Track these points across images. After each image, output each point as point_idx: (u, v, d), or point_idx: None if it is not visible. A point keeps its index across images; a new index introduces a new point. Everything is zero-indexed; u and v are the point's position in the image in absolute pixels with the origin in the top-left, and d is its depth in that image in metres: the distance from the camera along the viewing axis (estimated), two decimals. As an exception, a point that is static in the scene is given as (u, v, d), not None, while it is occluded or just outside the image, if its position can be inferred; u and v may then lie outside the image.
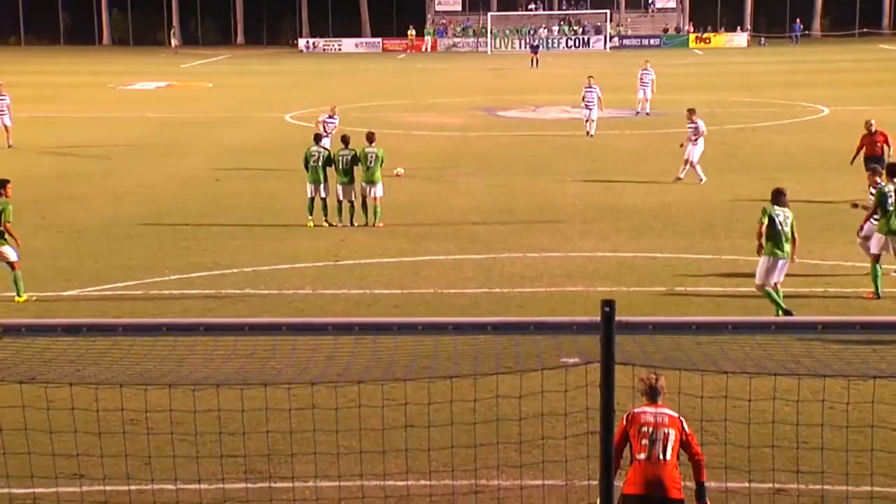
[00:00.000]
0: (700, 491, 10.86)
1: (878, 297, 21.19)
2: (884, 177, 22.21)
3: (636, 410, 11.00)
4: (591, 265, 24.56)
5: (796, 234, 20.09)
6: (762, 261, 19.90)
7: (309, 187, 29.18)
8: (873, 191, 22.50)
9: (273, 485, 13.38)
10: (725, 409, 11.75)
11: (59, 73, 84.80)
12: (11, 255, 21.43)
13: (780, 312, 19.51)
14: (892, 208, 21.33)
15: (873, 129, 31.08)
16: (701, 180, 33.89)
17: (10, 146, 43.20)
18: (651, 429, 10.70)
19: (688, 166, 34.33)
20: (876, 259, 21.50)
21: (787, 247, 19.85)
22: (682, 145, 35.00)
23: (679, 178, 34.41)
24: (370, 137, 29.47)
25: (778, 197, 20.20)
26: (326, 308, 21.41)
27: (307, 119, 51.40)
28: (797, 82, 68.81)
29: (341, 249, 26.41)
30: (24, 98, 56.91)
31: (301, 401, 12.33)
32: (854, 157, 31.20)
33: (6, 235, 21.45)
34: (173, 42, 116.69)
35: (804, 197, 31.33)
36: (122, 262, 25.21)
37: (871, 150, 30.70)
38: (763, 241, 19.82)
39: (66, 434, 11.48)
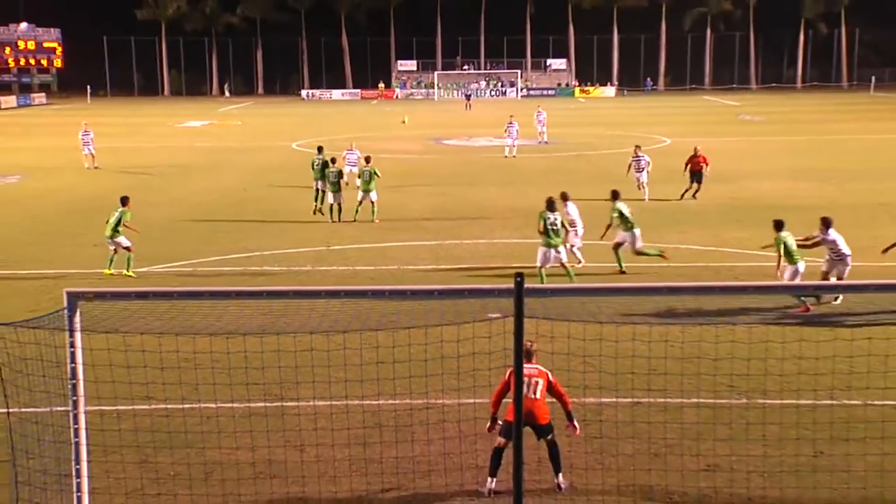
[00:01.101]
0: (568, 415, 11.04)
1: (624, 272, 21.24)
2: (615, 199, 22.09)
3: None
4: (508, 249, 24.60)
5: (567, 227, 20.83)
6: (540, 250, 19.97)
7: (315, 183, 29.69)
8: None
9: (284, 404, 13.33)
10: (600, 348, 11.80)
11: (133, 115, 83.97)
12: (124, 241, 21.99)
13: (570, 278, 19.80)
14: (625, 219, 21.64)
15: (697, 153, 32.34)
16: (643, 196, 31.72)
17: (96, 167, 43.03)
18: (526, 378, 10.77)
19: (643, 186, 32.00)
20: (615, 247, 21.54)
21: (558, 239, 19.95)
22: (628, 172, 32.90)
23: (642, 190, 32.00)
24: (367, 160, 29.67)
25: (550, 205, 20.10)
26: (321, 280, 21.32)
27: (308, 146, 51.08)
28: (649, 121, 69.20)
29: (332, 238, 26.33)
30: (108, 133, 56.34)
31: (303, 345, 12.25)
32: (685, 170, 32.43)
33: (121, 229, 22.10)
34: (226, 92, 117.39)
35: (657, 201, 31.54)
36: (178, 247, 25.05)
37: (695, 166, 32.17)
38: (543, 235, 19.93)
39: (138, 368, 11.37)
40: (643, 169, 32.16)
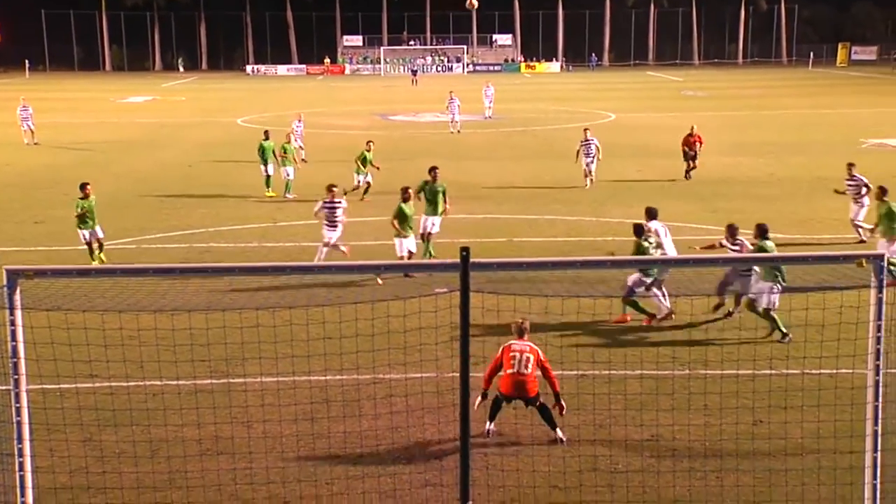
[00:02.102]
0: (556, 396, 11.36)
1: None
2: None
3: (508, 343, 11.56)
4: (454, 224, 24.56)
5: (447, 203, 20.67)
6: (422, 218, 20.23)
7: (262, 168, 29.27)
8: (849, 182, 22.51)
9: (231, 380, 13.25)
10: (546, 321, 11.90)
11: (73, 90, 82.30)
12: (82, 236, 20.60)
13: (428, 256, 19.99)
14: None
15: (693, 132, 31.83)
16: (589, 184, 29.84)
17: (35, 143, 42.29)
18: (518, 353, 11.33)
19: (590, 173, 29.70)
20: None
21: (439, 209, 20.38)
22: (577, 159, 30.16)
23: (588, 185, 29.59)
24: (369, 144, 28.83)
25: (428, 179, 20.51)
26: (268, 256, 21.19)
27: (253, 122, 50.60)
28: (594, 97, 69.56)
29: (278, 214, 26.13)
30: (48, 109, 55.20)
31: (249, 321, 12.17)
32: (683, 150, 31.91)
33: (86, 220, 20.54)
34: (180, 67, 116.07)
35: (602, 177, 31.79)
36: (121, 224, 24.64)
37: (689, 146, 31.75)
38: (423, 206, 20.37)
39: (81, 346, 11.21)
40: (593, 155, 29.72)
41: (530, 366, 11.26)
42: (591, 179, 29.75)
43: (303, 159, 33.14)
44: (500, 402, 11.44)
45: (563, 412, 11.37)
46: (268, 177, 29.00)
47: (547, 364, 11.45)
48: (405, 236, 18.86)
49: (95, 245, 20.73)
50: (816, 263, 10.17)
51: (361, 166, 28.27)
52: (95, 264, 19.61)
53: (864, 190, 22.17)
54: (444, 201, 20.69)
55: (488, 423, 11.48)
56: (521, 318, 11.83)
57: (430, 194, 20.52)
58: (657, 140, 42.38)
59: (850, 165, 23.02)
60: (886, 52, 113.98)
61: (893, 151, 38.16)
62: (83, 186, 20.76)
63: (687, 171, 31.67)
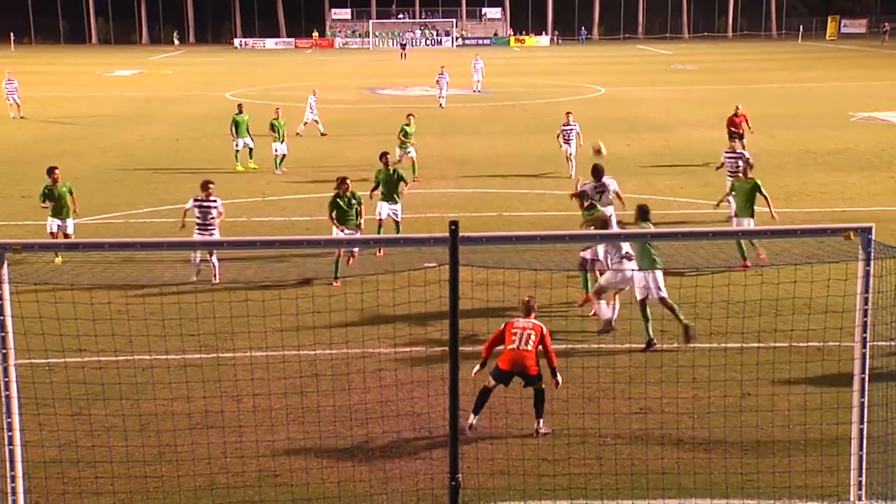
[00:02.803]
0: (553, 370, 11.09)
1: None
2: None
3: (512, 320, 11.33)
4: (444, 198, 24.60)
5: (403, 188, 19.43)
6: (379, 204, 19.16)
7: (236, 141, 29.05)
8: (728, 154, 21.19)
9: (220, 355, 13.24)
10: (535, 295, 11.91)
11: (59, 63, 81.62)
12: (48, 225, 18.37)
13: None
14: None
15: (738, 111, 29.08)
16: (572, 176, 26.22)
17: (22, 117, 42.02)
18: (519, 330, 11.12)
19: (571, 159, 26.67)
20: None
21: (396, 196, 19.11)
22: (560, 145, 27.03)
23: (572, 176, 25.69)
24: (409, 118, 27.60)
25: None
26: (256, 230, 21.14)
27: (241, 96, 50.28)
28: (583, 70, 69.39)
29: (267, 189, 26.05)
30: (34, 82, 54.80)
31: (238, 296, 12.16)
32: (728, 131, 28.36)
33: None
34: (175, 41, 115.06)
35: (592, 151, 31.74)
36: (109, 199, 24.58)
37: (735, 126, 28.52)
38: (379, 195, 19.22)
39: (70, 321, 11.18)
40: (571, 140, 26.69)
41: (531, 343, 11.08)
42: (572, 164, 26.43)
43: (322, 133, 34.87)
44: (487, 393, 11.05)
45: (558, 386, 11.23)
46: (237, 151, 29.02)
47: (548, 341, 11.22)
48: (386, 201, 19.03)
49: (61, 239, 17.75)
50: (804, 237, 10.20)
51: (405, 140, 26.85)
52: (58, 261, 16.80)
53: (741, 164, 20.21)
54: (405, 185, 19.57)
55: (472, 416, 10.97)
56: (529, 297, 11.60)
57: (385, 182, 19.14)
58: (646, 113, 42.34)
59: (734, 138, 21.90)
60: (876, 26, 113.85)
61: (882, 125, 38.23)
62: (51, 171, 18.53)
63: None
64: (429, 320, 13.98)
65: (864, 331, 8.79)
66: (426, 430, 11.12)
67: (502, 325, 11.33)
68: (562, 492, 9.73)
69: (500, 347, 11.21)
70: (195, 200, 17.01)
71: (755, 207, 17.64)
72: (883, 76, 61.13)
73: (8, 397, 8.57)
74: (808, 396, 11.15)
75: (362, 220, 17.24)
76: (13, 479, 8.81)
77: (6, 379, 8.54)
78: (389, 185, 19.13)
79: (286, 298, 11.58)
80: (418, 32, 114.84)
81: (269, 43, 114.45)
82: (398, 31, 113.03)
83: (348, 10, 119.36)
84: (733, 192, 18.13)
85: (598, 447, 10.71)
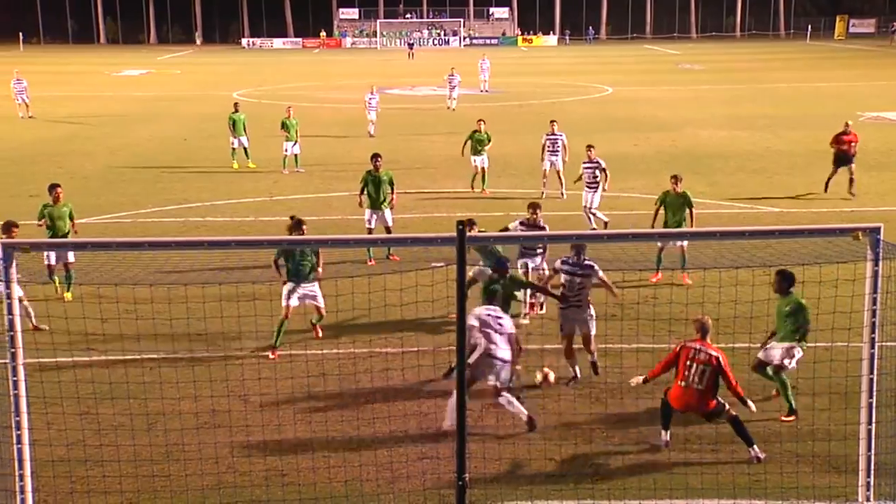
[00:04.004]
0: (742, 400, 10.21)
1: None
2: None
3: (686, 344, 10.40)
4: (452, 198, 24.60)
5: (394, 194, 18.80)
6: (366, 213, 18.52)
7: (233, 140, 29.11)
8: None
9: (227, 353, 13.27)
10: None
11: (67, 63, 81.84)
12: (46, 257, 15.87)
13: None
14: None
15: (848, 129, 24.37)
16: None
17: (30, 117, 42.13)
18: (694, 364, 10.15)
19: (560, 176, 23.98)
20: None
21: (385, 203, 18.42)
22: (543, 157, 24.26)
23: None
24: (480, 124, 25.64)
25: (374, 160, 18.35)
26: (263, 230, 21.16)
27: (249, 96, 50.39)
28: (591, 70, 69.31)
29: (274, 188, 26.08)
30: (42, 82, 54.96)
31: (246, 295, 12.18)
32: (835, 153, 24.43)
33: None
34: (197, 40, 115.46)
35: (599, 151, 31.66)
36: (117, 198, 24.65)
37: (843, 147, 24.22)
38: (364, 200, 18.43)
39: (77, 319, 11.21)
40: (558, 151, 23.92)
41: (704, 380, 10.02)
42: (562, 181, 23.65)
43: (370, 134, 35.06)
44: (667, 407, 10.44)
45: (752, 412, 10.29)
46: (233, 149, 29.09)
47: (728, 370, 10.10)
48: (374, 208, 18.19)
49: (61, 271, 15.61)
50: (813, 237, 10.18)
51: (479, 148, 25.07)
52: (68, 296, 15.16)
53: (599, 174, 20.04)
54: (392, 192, 18.70)
55: (663, 432, 10.54)
56: (703, 315, 10.55)
57: (374, 186, 18.36)
58: (654, 113, 42.28)
59: (590, 147, 20.76)
60: (885, 25, 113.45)
61: (891, 124, 38.11)
62: (52, 188, 16.54)
63: (849, 184, 24.12)
64: (436, 320, 13.98)
65: (873, 331, 8.76)
66: (433, 429, 11.11)
67: (677, 347, 10.43)
68: (569, 492, 9.72)
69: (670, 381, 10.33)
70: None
71: None
72: (891, 76, 60.94)
73: (16, 396, 8.59)
74: (817, 397, 11.12)
75: (321, 270, 13.93)
76: (21, 477, 8.83)
77: (14, 378, 8.57)
78: (378, 190, 18.34)
79: (293, 298, 11.60)
80: (426, 32, 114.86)
81: (277, 43, 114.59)
82: (406, 31, 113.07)
83: (356, 10, 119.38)
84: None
85: (605, 447, 10.69)
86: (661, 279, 16.75)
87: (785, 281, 11.47)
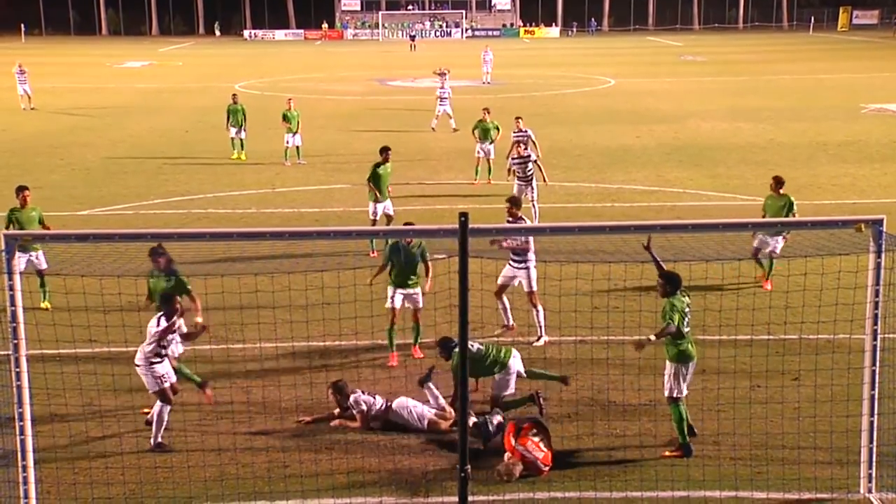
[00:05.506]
0: None
1: None
2: None
3: None
4: (453, 189, 24.59)
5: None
6: (370, 205, 18.30)
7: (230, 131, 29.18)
8: None
9: (230, 346, 13.29)
10: (544, 287, 11.88)
11: (69, 55, 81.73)
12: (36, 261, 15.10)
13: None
14: None
15: None
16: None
17: (32, 108, 42.08)
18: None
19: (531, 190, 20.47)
20: None
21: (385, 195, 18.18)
22: (508, 157, 21.45)
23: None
24: (485, 113, 25.63)
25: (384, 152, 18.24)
26: (266, 222, 21.16)
27: (251, 87, 50.34)
28: (593, 62, 69.16)
29: (276, 180, 26.07)
30: (44, 73, 54.91)
31: (248, 287, 12.16)
32: None
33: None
34: (216, 31, 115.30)
35: (601, 143, 31.72)
36: (119, 190, 24.64)
37: None
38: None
39: (80, 311, 11.22)
40: (528, 159, 20.04)
41: None
42: (533, 193, 20.07)
43: (454, 129, 33.91)
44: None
45: None
46: (232, 139, 29.15)
47: None
48: (379, 200, 18.10)
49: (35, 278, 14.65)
50: (815, 228, 10.17)
51: (486, 135, 24.94)
52: (45, 305, 14.41)
53: (530, 167, 19.20)
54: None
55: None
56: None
57: (377, 178, 18.16)
58: (656, 105, 42.21)
59: (518, 118, 19.92)
60: (888, 17, 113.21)
61: (893, 116, 38.03)
62: (20, 190, 15.35)
63: None
64: (438, 312, 13.98)
65: (875, 323, 8.76)
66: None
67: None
68: (571, 483, 9.74)
69: None
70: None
71: None
72: (894, 68, 60.80)
73: (19, 387, 8.61)
74: (819, 389, 11.12)
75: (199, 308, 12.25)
76: (24, 468, 8.86)
77: (17, 369, 8.58)
78: (383, 183, 18.19)
79: (296, 289, 11.57)
80: (428, 24, 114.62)
81: (279, 34, 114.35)
82: (408, 23, 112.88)
83: (358, 2, 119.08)
84: None
85: (607, 439, 10.70)
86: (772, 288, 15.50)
87: (669, 284, 10.48)
